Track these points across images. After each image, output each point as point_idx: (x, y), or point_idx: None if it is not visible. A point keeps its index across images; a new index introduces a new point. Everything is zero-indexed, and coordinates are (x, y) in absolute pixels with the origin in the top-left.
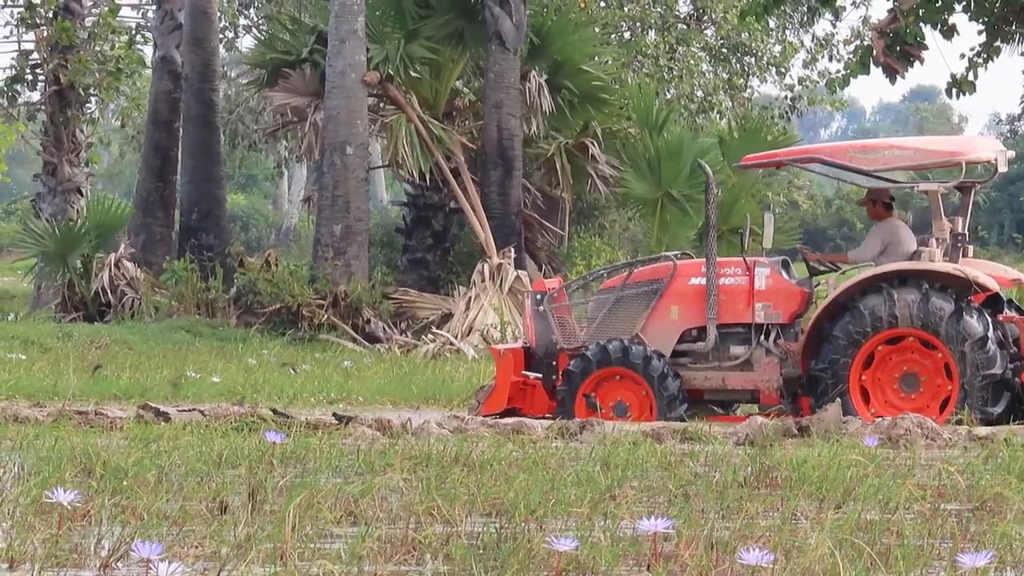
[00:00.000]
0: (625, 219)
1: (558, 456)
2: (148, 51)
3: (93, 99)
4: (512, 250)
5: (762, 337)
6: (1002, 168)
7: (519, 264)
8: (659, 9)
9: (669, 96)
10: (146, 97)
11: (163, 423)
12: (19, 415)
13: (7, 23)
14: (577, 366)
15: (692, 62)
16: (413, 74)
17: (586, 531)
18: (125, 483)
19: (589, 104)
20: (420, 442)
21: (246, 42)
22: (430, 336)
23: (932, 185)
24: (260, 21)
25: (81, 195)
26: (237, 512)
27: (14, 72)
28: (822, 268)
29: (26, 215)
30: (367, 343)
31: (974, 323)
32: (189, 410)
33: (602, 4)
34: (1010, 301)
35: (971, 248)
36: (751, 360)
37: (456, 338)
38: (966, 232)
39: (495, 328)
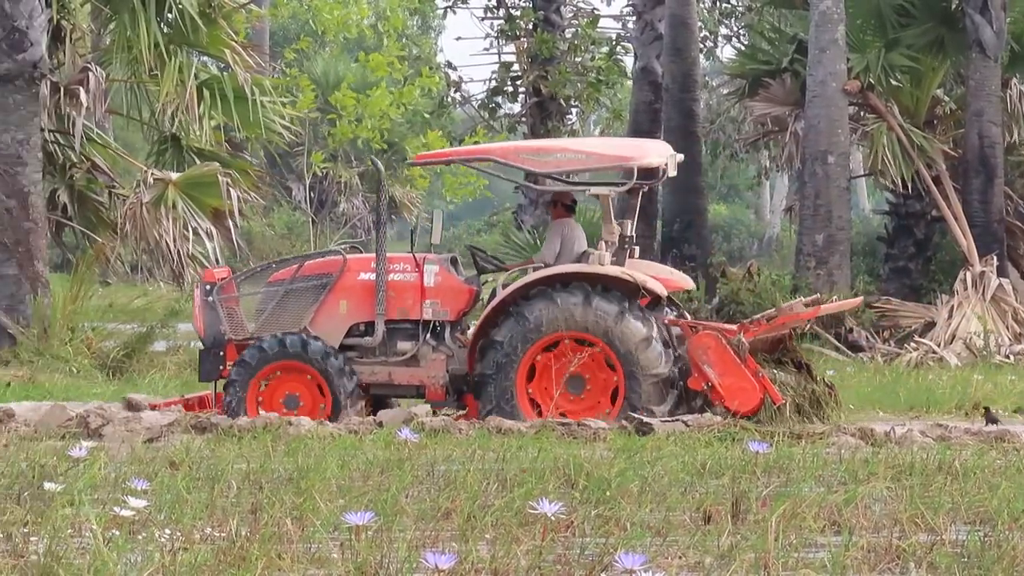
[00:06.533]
0: None
1: None
2: (628, 62)
3: (574, 110)
4: (994, 258)
5: (428, 335)
6: (672, 172)
7: (1001, 272)
8: None
9: None
10: (627, 108)
11: (645, 434)
12: (502, 427)
13: (487, 35)
14: (252, 356)
15: None
16: (893, 82)
17: None
18: (608, 494)
19: None
20: (903, 451)
21: (726, 52)
22: (912, 344)
23: (603, 189)
24: (740, 31)
25: None
26: (721, 522)
27: (494, 84)
28: (489, 267)
29: (507, 227)
30: (849, 352)
31: (638, 324)
32: (672, 420)
33: None
34: (672, 303)
35: (636, 250)
36: (418, 356)
37: (939, 346)
38: (633, 235)
39: (978, 336)
